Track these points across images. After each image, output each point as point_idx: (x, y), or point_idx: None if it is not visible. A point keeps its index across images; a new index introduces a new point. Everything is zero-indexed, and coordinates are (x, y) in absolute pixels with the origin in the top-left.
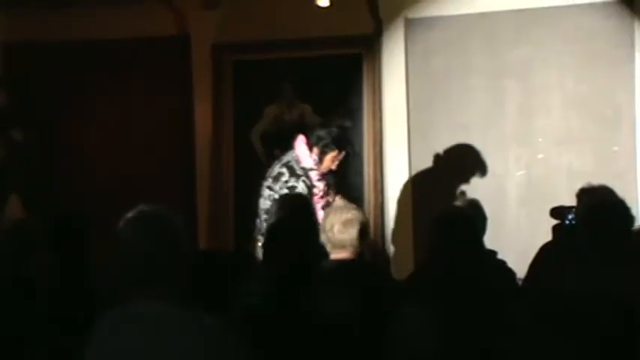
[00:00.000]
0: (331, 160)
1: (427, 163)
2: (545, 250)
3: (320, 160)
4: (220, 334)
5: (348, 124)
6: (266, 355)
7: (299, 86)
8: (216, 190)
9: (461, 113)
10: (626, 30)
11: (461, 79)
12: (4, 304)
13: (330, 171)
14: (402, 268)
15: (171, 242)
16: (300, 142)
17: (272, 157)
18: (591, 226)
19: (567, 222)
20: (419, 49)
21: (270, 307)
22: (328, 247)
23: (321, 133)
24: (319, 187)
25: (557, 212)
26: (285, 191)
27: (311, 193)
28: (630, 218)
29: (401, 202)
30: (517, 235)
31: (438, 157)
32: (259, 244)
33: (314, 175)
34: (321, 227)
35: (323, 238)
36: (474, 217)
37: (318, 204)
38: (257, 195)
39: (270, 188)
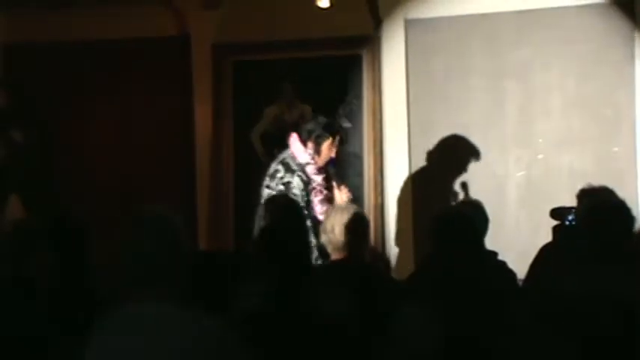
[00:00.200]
0: (328, 148)
1: (427, 163)
2: (545, 250)
3: (317, 152)
4: (220, 334)
5: (347, 124)
6: (266, 355)
7: (299, 87)
8: (216, 190)
9: (461, 114)
10: (626, 31)
11: (461, 79)
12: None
13: (332, 160)
14: (402, 269)
15: (172, 242)
16: (294, 139)
17: (272, 158)
18: (591, 227)
19: (567, 223)
20: (419, 50)
21: (269, 308)
22: (329, 249)
23: (310, 125)
24: (317, 180)
25: (557, 213)
26: (281, 187)
27: (308, 188)
28: (630, 219)
29: (401, 202)
30: (517, 235)
31: (432, 154)
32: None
33: (311, 170)
34: (321, 228)
35: (324, 239)
36: (475, 217)
37: (317, 198)
38: (257, 195)
39: (268, 187)
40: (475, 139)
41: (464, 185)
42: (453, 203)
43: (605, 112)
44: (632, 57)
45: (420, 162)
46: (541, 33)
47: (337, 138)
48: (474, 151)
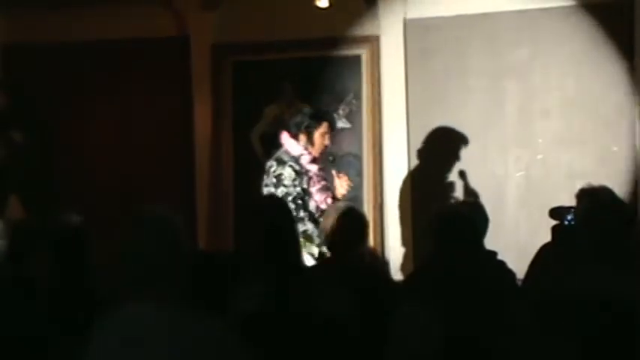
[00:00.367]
0: (321, 136)
1: (426, 163)
2: (544, 250)
3: (311, 143)
4: (220, 334)
5: (347, 125)
6: (265, 355)
7: (298, 87)
8: (215, 190)
9: (460, 114)
10: (625, 31)
11: (460, 79)
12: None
13: (325, 149)
14: (401, 269)
15: (171, 242)
16: (285, 137)
17: (270, 158)
18: (591, 227)
19: (567, 222)
20: (418, 50)
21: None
22: (327, 248)
23: (297, 119)
24: (313, 170)
25: (556, 213)
26: (274, 180)
27: (303, 178)
28: (630, 220)
29: (400, 202)
30: (516, 235)
31: (423, 150)
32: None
33: (306, 160)
34: (319, 228)
35: (322, 238)
36: (475, 217)
37: (315, 187)
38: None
39: (266, 185)
40: (474, 140)
41: (464, 184)
42: (453, 202)
43: (604, 113)
44: (632, 57)
45: (418, 161)
46: (540, 33)
47: (326, 125)
48: (462, 138)
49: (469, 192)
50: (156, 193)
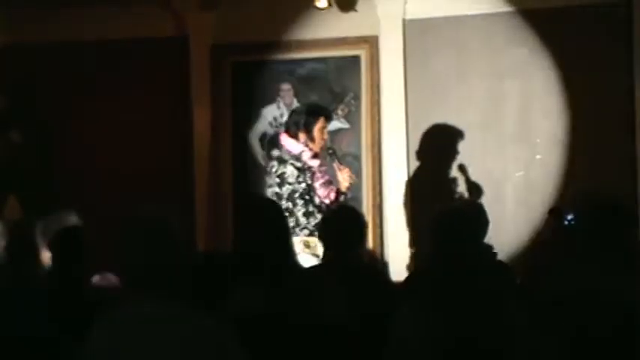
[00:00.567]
0: (319, 131)
1: (425, 161)
2: (543, 249)
3: (311, 139)
4: (220, 334)
5: (346, 126)
6: (263, 355)
7: (297, 87)
8: (214, 190)
9: (459, 114)
10: (624, 30)
11: (459, 80)
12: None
13: (325, 142)
14: (400, 269)
15: (171, 243)
16: (284, 137)
17: (270, 158)
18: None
19: (566, 222)
20: (417, 50)
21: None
22: (325, 248)
23: (293, 117)
24: (315, 165)
25: (556, 212)
26: (277, 180)
27: (306, 175)
28: (630, 219)
29: (399, 202)
30: (515, 235)
31: (425, 149)
32: None
33: (307, 156)
34: (318, 227)
35: (321, 237)
36: (474, 217)
37: (318, 182)
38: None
39: (270, 186)
40: (473, 139)
41: (466, 178)
42: (452, 203)
43: (603, 112)
44: (631, 57)
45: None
46: (539, 33)
47: (322, 119)
48: (459, 133)
49: (471, 185)
50: (155, 193)
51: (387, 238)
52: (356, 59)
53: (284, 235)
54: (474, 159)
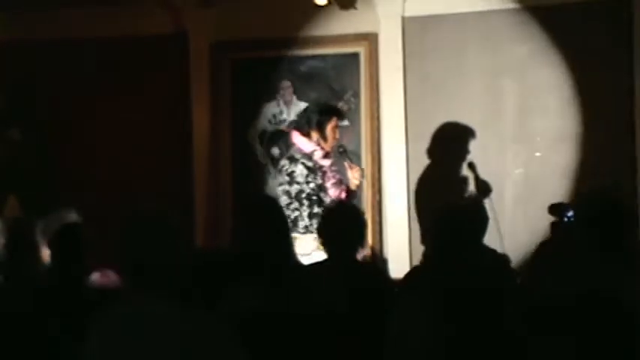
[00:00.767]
0: (332, 130)
1: (425, 161)
2: (542, 247)
3: (324, 138)
4: (219, 333)
5: (345, 123)
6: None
7: (297, 84)
8: (214, 189)
9: (458, 112)
10: (623, 28)
11: (458, 77)
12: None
13: (339, 147)
14: (399, 267)
15: (170, 242)
16: (296, 135)
17: (270, 156)
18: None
19: (566, 219)
20: (416, 48)
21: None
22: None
23: (305, 115)
24: (326, 165)
25: (555, 209)
26: (287, 179)
27: (317, 174)
28: (629, 217)
29: (398, 199)
30: (515, 232)
31: (435, 149)
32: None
33: (319, 155)
34: (317, 226)
35: (320, 236)
36: (474, 215)
37: (329, 182)
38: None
39: (280, 184)
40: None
41: (475, 176)
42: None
43: (602, 110)
44: (631, 55)
45: (418, 160)
46: (538, 30)
47: (335, 119)
48: (469, 131)
49: (480, 184)
50: (154, 192)
51: (387, 236)
52: (355, 57)
53: (284, 234)
54: (473, 156)
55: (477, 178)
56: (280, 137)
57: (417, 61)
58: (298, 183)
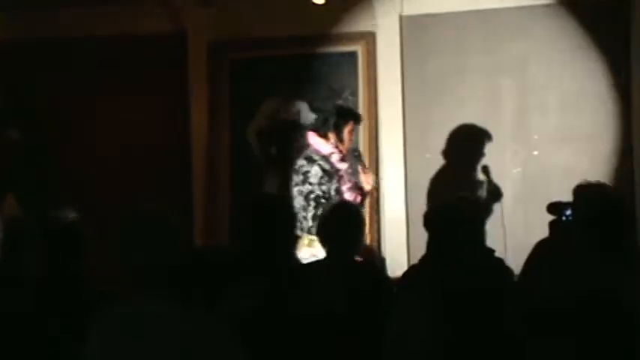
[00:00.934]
0: (349, 133)
1: (423, 160)
2: (541, 246)
3: (341, 141)
4: (219, 333)
5: None
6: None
7: (295, 83)
8: (212, 188)
9: (457, 111)
10: (622, 27)
11: (456, 76)
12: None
13: (355, 151)
14: (398, 266)
15: (169, 242)
16: (312, 136)
17: (268, 155)
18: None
19: (564, 218)
20: (414, 46)
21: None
22: (323, 244)
23: (325, 116)
24: (343, 168)
25: (554, 208)
26: (301, 178)
27: (333, 177)
28: (628, 215)
29: (396, 199)
30: (513, 231)
31: (450, 151)
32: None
33: (336, 158)
34: (317, 225)
35: (318, 234)
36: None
37: (345, 186)
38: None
39: (296, 184)
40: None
41: (487, 180)
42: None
43: (601, 109)
44: (629, 54)
45: (416, 158)
46: (537, 29)
47: (352, 123)
48: (486, 134)
49: (492, 188)
50: (152, 191)
51: (385, 234)
52: (353, 55)
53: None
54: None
55: (489, 182)
56: (279, 136)
57: (415, 59)
58: (310, 184)
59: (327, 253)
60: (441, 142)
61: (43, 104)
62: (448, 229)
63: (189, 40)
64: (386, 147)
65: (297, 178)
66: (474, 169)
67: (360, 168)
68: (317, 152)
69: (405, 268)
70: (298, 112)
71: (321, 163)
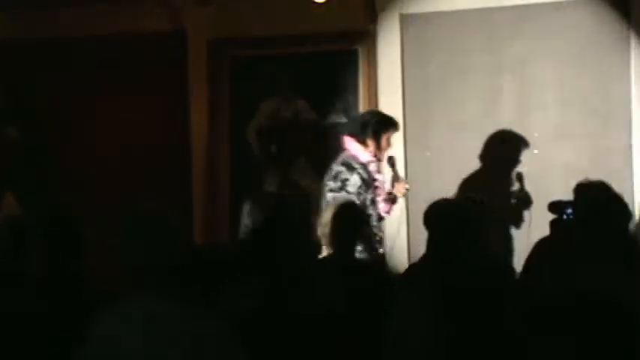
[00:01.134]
0: (387, 141)
1: (424, 158)
2: (542, 244)
3: (378, 148)
4: (219, 333)
5: (344, 120)
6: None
7: (295, 82)
8: (212, 188)
9: (457, 109)
10: (621, 25)
11: (457, 74)
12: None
13: (389, 159)
14: (398, 264)
15: (170, 242)
16: (349, 141)
17: (268, 154)
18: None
19: (565, 217)
20: (415, 45)
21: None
22: (324, 243)
23: (364, 122)
24: (379, 178)
25: (555, 206)
26: (339, 184)
27: (370, 187)
28: (627, 214)
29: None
30: (513, 230)
31: (486, 155)
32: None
33: (374, 168)
34: (318, 222)
35: (319, 232)
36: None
37: (380, 196)
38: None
39: (331, 190)
40: (471, 134)
41: (520, 186)
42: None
43: (601, 108)
44: (628, 52)
45: (416, 157)
46: (537, 27)
47: (392, 130)
48: (523, 141)
49: (523, 195)
50: (152, 191)
51: (385, 233)
52: (353, 53)
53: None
54: (473, 153)
55: (521, 190)
56: (278, 135)
57: (416, 58)
58: (348, 192)
59: (328, 252)
60: (441, 141)
61: (42, 104)
62: (447, 227)
63: (188, 40)
64: None
65: (333, 184)
66: (508, 175)
67: (393, 177)
68: (355, 159)
69: (405, 266)
70: (298, 111)
71: (361, 171)
